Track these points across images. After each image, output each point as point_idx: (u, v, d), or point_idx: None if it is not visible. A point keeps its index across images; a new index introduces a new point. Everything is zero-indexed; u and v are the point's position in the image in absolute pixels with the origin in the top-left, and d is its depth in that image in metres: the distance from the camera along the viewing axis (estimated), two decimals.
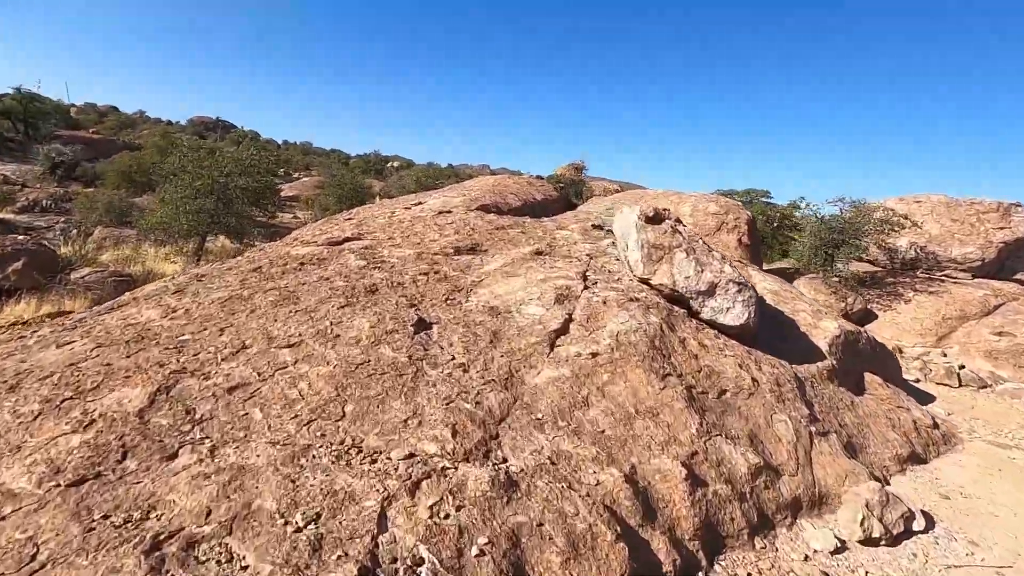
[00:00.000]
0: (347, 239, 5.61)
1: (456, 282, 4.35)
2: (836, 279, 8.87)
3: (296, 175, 43.17)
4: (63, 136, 32.76)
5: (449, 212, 7.28)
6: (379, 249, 5.19)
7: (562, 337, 3.61)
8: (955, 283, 9.53)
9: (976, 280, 9.58)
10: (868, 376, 5.07)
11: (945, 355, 8.11)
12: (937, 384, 7.07)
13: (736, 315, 4.06)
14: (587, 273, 4.63)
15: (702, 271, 4.07)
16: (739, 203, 11.12)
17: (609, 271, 4.89)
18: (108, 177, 21.10)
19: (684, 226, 4.67)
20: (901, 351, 8.19)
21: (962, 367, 7.62)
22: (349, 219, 8.15)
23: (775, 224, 15.93)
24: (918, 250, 9.82)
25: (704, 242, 4.55)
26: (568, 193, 14.50)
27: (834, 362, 4.63)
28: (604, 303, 4.01)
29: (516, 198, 9.77)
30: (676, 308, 4.25)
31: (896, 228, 8.81)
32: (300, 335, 3.17)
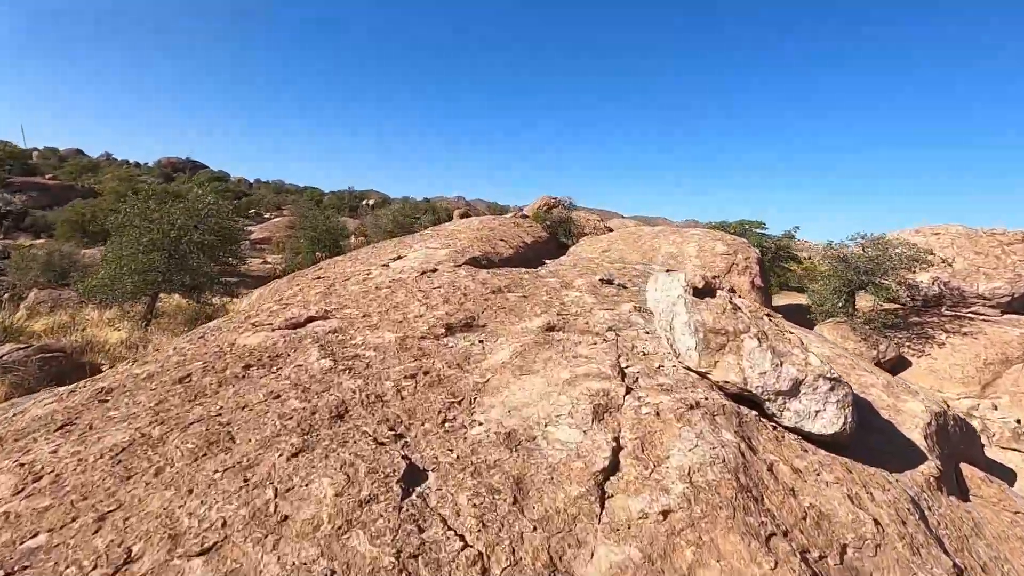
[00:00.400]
0: (311, 319, 4.51)
1: (454, 386, 3.28)
2: (863, 323, 8.04)
3: (267, 215, 41.85)
4: (15, 183, 31.02)
5: (434, 271, 6.24)
6: (351, 334, 4.10)
7: (613, 480, 2.55)
8: (985, 321, 8.79)
9: (1007, 317, 8.85)
10: (966, 469, 4.12)
11: (996, 408, 7.26)
12: (1003, 449, 6.17)
13: (828, 421, 3.07)
14: (621, 362, 3.60)
15: (781, 364, 3.08)
16: (745, 240, 10.35)
17: (645, 353, 3.87)
18: (58, 227, 19.61)
19: (741, 298, 3.70)
20: (948, 406, 7.33)
21: (1018, 421, 6.76)
22: (318, 278, 7.06)
23: (769, 256, 15.30)
24: (941, 286, 9.09)
25: (770, 319, 3.59)
26: (557, 232, 13.66)
27: (937, 463, 3.65)
28: (658, 414, 2.97)
29: (506, 245, 8.81)
30: (743, 409, 3.24)
31: (923, 264, 8.07)
32: (225, 523, 2.05)
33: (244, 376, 3.34)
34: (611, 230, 14.42)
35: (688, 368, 3.50)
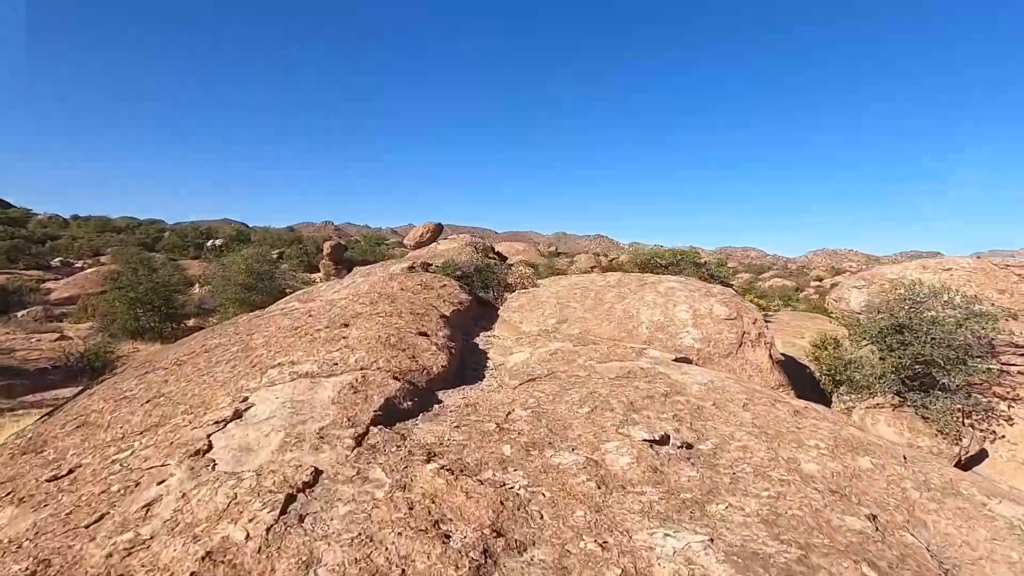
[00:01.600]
0: None
1: None
2: (943, 411, 5.92)
3: (79, 264, 33.19)
4: None
5: (314, 480, 2.77)
6: None
7: None
8: None
9: None
10: None
11: None
12: None
13: None
14: None
15: None
16: (735, 293, 8.03)
17: None
18: None
19: None
20: None
21: None
22: (54, 478, 3.29)
23: None
24: (967, 334, 7.37)
25: None
26: (472, 285, 10.48)
27: None
28: None
29: (428, 342, 5.42)
30: None
31: (994, 320, 6.21)
32: None
33: None
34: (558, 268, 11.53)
35: None
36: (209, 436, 3.42)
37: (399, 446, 3.23)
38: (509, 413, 3.94)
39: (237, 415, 3.69)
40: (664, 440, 3.41)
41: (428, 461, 3.03)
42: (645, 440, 3.36)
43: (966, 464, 6.06)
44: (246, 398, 4.00)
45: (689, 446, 3.43)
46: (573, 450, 3.28)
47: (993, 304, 7.02)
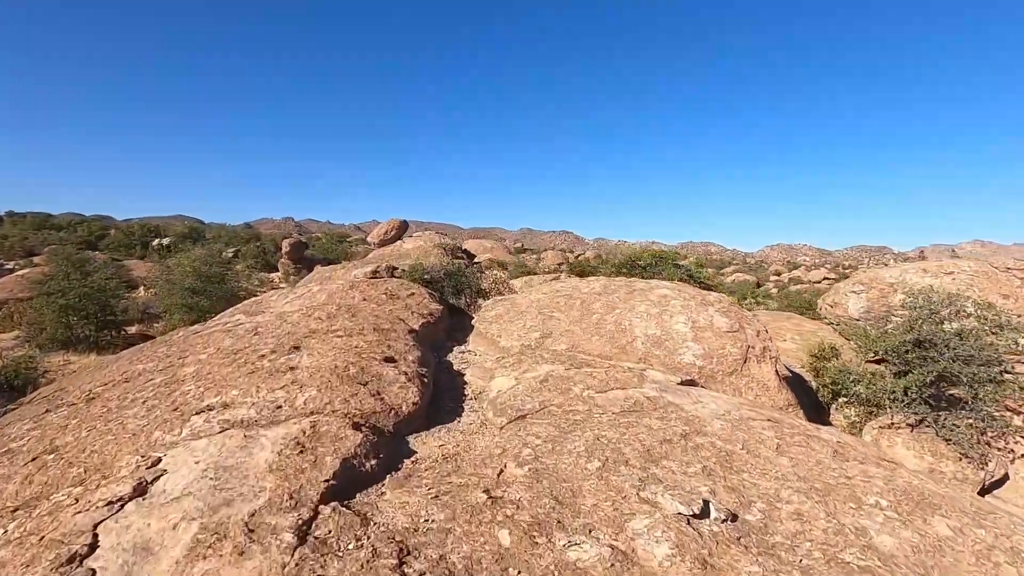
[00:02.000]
0: None
1: None
2: (969, 428, 5.42)
3: (10, 265, 30.50)
4: None
5: None
6: None
7: None
8: None
9: None
10: None
11: None
12: None
13: None
14: None
15: None
16: (734, 301, 7.42)
17: None
18: None
19: None
20: None
21: None
22: None
23: None
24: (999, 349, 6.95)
25: None
26: (443, 291, 9.61)
27: None
28: None
29: (395, 372, 4.53)
30: None
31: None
32: None
33: None
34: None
35: None
36: (96, 525, 2.51)
37: (359, 539, 2.38)
38: (500, 471, 3.13)
39: (140, 490, 2.76)
40: (704, 512, 2.67)
41: (400, 565, 2.20)
42: (680, 514, 2.61)
43: (988, 488, 5.60)
44: (158, 460, 3.06)
45: (734, 517, 2.70)
46: (590, 532, 2.50)
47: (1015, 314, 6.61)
